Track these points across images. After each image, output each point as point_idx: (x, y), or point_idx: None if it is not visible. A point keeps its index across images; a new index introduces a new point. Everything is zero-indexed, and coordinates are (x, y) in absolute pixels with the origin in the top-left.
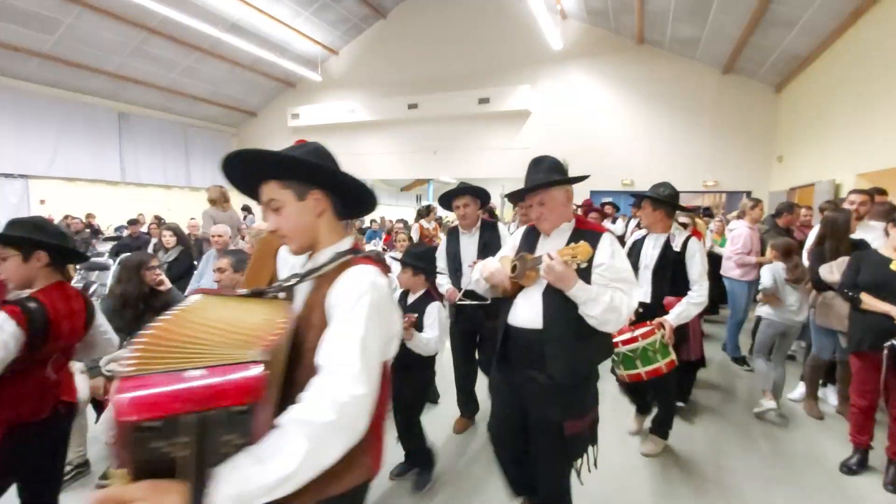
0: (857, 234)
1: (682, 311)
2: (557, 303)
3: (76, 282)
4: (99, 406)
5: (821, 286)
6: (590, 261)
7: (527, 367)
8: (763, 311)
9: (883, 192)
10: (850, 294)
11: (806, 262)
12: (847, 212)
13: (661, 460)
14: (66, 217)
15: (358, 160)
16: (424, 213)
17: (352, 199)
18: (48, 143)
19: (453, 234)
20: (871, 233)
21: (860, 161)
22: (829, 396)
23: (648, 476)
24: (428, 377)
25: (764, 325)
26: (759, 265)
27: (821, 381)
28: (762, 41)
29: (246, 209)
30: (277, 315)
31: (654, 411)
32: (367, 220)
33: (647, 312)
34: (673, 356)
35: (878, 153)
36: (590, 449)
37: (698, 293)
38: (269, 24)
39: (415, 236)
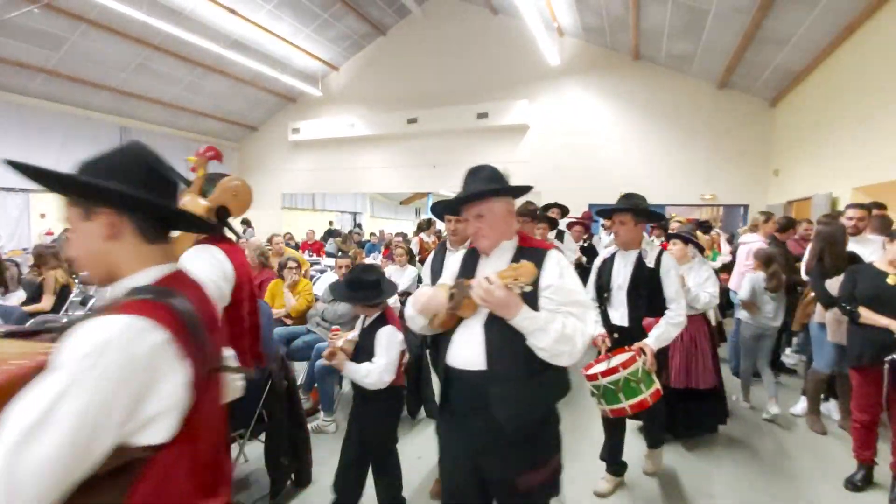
0: (852, 248)
1: (662, 332)
2: (501, 335)
3: (75, 296)
4: None
5: (828, 302)
6: (536, 283)
7: (472, 413)
8: (742, 314)
9: (881, 206)
10: (848, 308)
11: (805, 277)
12: (841, 224)
13: (657, 479)
14: (66, 231)
15: (358, 174)
16: (425, 226)
17: (158, 219)
18: (51, 158)
19: (439, 250)
20: (869, 246)
21: (857, 174)
22: (832, 411)
23: (645, 495)
24: (393, 408)
25: (742, 328)
26: None
27: (822, 396)
28: (756, 57)
29: (245, 223)
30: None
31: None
32: (366, 233)
33: (626, 337)
34: (657, 385)
35: (875, 167)
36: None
37: (676, 312)
38: (270, 40)
39: (414, 249)
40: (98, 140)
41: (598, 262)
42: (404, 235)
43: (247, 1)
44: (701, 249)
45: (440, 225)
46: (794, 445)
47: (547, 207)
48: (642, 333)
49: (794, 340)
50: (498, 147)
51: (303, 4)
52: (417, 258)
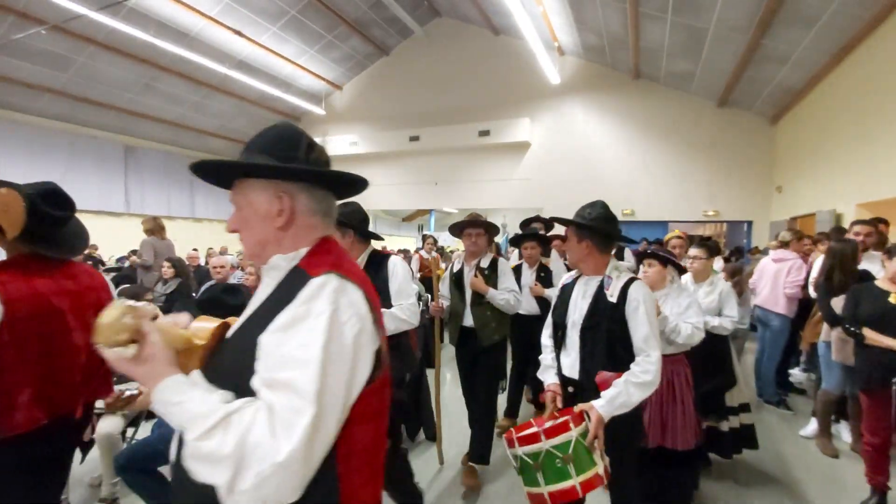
0: (862, 266)
1: (618, 394)
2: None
3: None
4: (84, 445)
5: (833, 321)
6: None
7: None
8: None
9: (884, 223)
10: (853, 329)
11: (813, 294)
12: (853, 242)
13: None
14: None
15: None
16: (433, 242)
17: None
18: (56, 176)
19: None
20: (876, 263)
21: (860, 191)
22: (843, 433)
23: None
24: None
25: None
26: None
27: (833, 417)
28: (756, 75)
29: None
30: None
31: None
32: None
33: (580, 393)
34: (599, 468)
35: (878, 183)
36: None
37: (644, 367)
38: (275, 61)
39: (414, 267)
40: (103, 159)
41: (558, 286)
42: (406, 252)
43: (253, 23)
44: (681, 270)
45: (441, 241)
46: (805, 469)
47: (528, 222)
48: (595, 392)
49: (802, 359)
50: (499, 164)
51: (307, 26)
52: (418, 276)
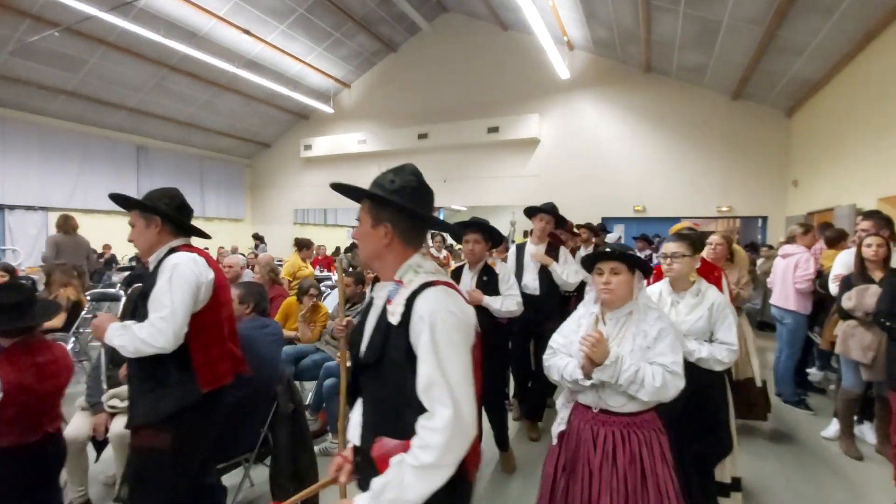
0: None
1: (385, 485)
2: None
3: (86, 312)
4: (99, 444)
5: (844, 315)
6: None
7: None
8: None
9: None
10: (888, 324)
11: (834, 290)
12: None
13: None
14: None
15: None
16: (442, 241)
17: None
18: (70, 177)
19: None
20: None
21: (882, 185)
22: (866, 434)
23: None
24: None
25: None
26: (814, 293)
27: (856, 418)
28: (771, 67)
29: (258, 238)
30: None
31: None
32: None
33: (361, 466)
34: None
35: None
36: None
37: (422, 441)
38: (283, 59)
39: None
40: (115, 158)
41: (497, 300)
42: None
43: (261, 21)
44: (648, 273)
45: (451, 239)
46: (828, 472)
47: (533, 212)
48: (371, 467)
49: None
50: (508, 161)
51: (315, 24)
52: None
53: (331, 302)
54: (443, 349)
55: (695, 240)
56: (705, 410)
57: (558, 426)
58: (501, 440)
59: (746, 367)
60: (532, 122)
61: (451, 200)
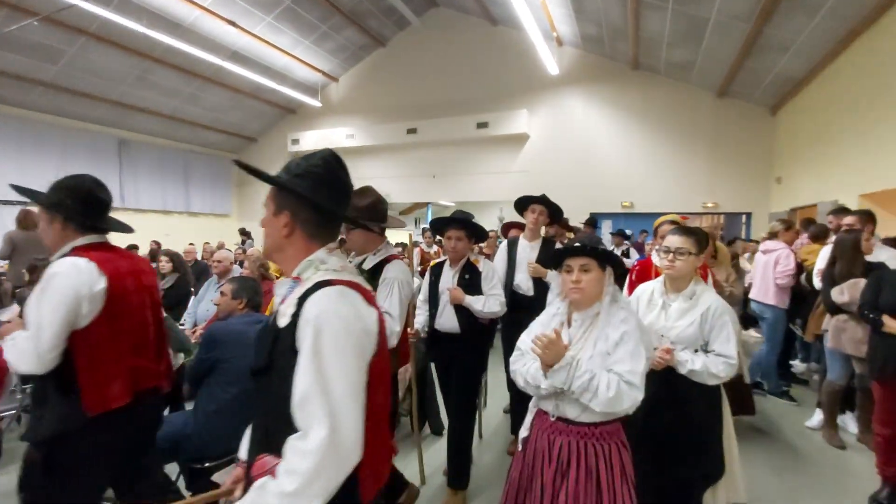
0: (874, 256)
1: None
2: None
3: None
4: None
5: (833, 309)
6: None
7: None
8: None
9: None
10: (871, 316)
11: (818, 284)
12: (857, 232)
13: None
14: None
15: (357, 184)
16: (432, 236)
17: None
18: (49, 171)
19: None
20: (881, 255)
21: (863, 182)
22: (849, 424)
23: None
24: None
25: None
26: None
27: (838, 408)
28: (756, 65)
29: (244, 233)
30: None
31: None
32: None
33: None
34: None
35: (881, 174)
36: None
37: (288, 465)
38: (270, 52)
39: (415, 261)
40: (96, 152)
41: (479, 300)
42: (404, 246)
43: (247, 13)
44: (622, 274)
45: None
46: (812, 461)
47: (525, 204)
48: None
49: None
50: (497, 157)
51: (302, 16)
52: (418, 269)
53: None
54: (326, 358)
55: (701, 237)
56: (692, 427)
57: (523, 431)
58: (457, 473)
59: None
60: (521, 118)
61: (439, 196)
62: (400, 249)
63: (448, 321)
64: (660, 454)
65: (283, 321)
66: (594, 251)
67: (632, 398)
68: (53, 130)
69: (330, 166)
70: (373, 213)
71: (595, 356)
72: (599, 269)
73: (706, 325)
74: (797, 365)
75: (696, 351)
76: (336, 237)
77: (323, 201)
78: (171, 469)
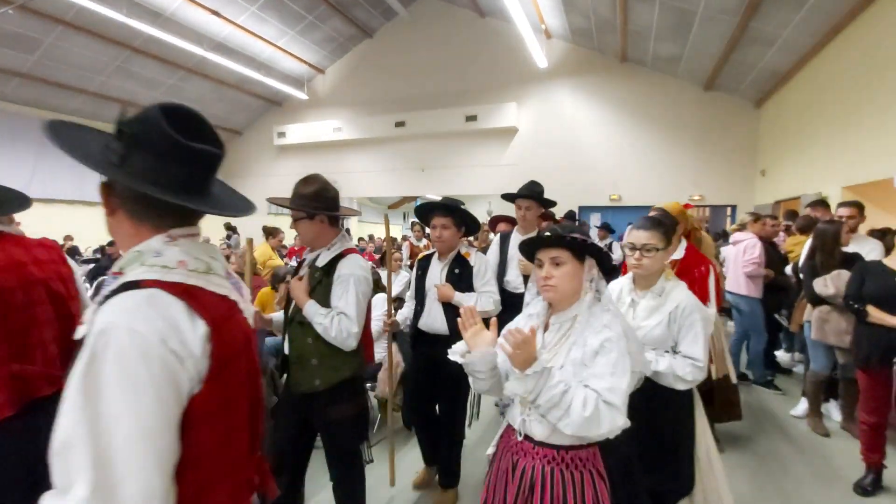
0: (851, 248)
1: None
2: None
3: None
4: None
5: (816, 300)
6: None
7: None
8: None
9: (860, 206)
10: (857, 307)
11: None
12: (837, 224)
13: None
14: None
15: (345, 178)
16: (421, 229)
17: None
18: (26, 165)
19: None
20: (865, 245)
21: (845, 174)
22: (832, 412)
23: None
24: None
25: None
26: (768, 279)
27: (822, 397)
28: (742, 58)
29: (230, 228)
30: None
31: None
32: (354, 238)
33: None
34: None
35: (863, 166)
36: None
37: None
38: (255, 43)
39: (405, 254)
40: None
41: (469, 297)
42: (394, 240)
43: (230, 3)
44: (611, 270)
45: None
46: (797, 449)
47: (511, 200)
48: None
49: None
50: (486, 150)
51: (287, 6)
52: (408, 263)
53: None
54: (103, 389)
55: (669, 228)
56: (659, 439)
57: (490, 447)
58: (447, 472)
59: (722, 363)
60: (510, 111)
61: (428, 189)
62: (367, 242)
63: (434, 321)
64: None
65: (78, 333)
66: (561, 239)
67: (611, 421)
68: (31, 122)
69: (149, 122)
70: (319, 202)
71: (567, 365)
72: (576, 261)
73: (674, 324)
74: (781, 355)
75: (667, 353)
76: (192, 221)
77: (131, 173)
78: None
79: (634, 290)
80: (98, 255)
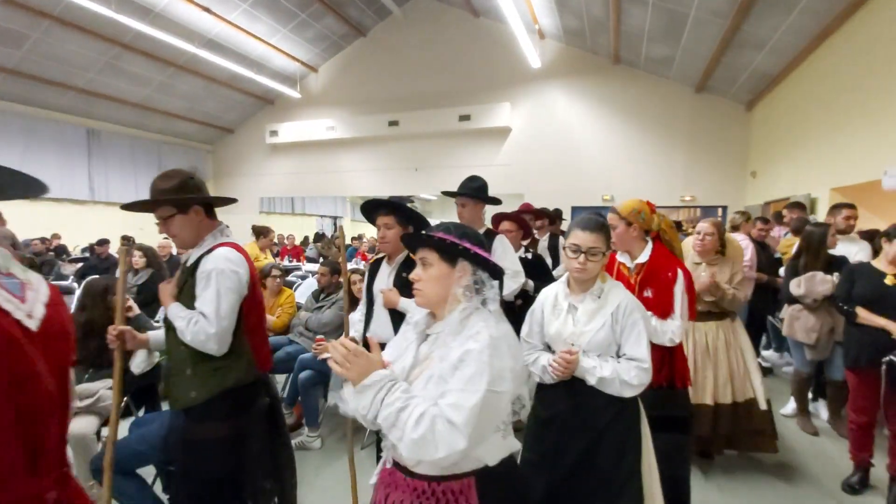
0: (841, 249)
1: None
2: None
3: None
4: None
5: (790, 299)
6: None
7: None
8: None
9: (852, 207)
10: (846, 308)
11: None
12: (825, 226)
13: None
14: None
15: (338, 177)
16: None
17: None
18: (13, 162)
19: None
20: (856, 245)
21: (834, 176)
22: (820, 411)
23: None
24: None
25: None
26: (760, 281)
27: (811, 396)
28: (733, 61)
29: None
30: None
31: None
32: (348, 237)
33: None
34: None
35: (852, 168)
36: None
37: None
38: (247, 40)
39: None
40: (63, 143)
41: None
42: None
43: None
44: (483, 266)
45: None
46: (787, 447)
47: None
48: None
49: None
50: (480, 150)
51: (280, 4)
52: None
53: (303, 293)
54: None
55: (608, 232)
56: (606, 454)
57: (372, 477)
58: None
59: (746, 385)
60: (503, 111)
61: (421, 189)
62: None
63: (381, 328)
64: (567, 487)
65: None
66: (428, 239)
67: (448, 444)
68: (17, 119)
69: None
70: (187, 192)
71: (428, 384)
72: (444, 264)
73: (617, 325)
74: (769, 355)
75: (612, 358)
76: None
77: None
78: (148, 472)
79: (571, 294)
80: (87, 255)
